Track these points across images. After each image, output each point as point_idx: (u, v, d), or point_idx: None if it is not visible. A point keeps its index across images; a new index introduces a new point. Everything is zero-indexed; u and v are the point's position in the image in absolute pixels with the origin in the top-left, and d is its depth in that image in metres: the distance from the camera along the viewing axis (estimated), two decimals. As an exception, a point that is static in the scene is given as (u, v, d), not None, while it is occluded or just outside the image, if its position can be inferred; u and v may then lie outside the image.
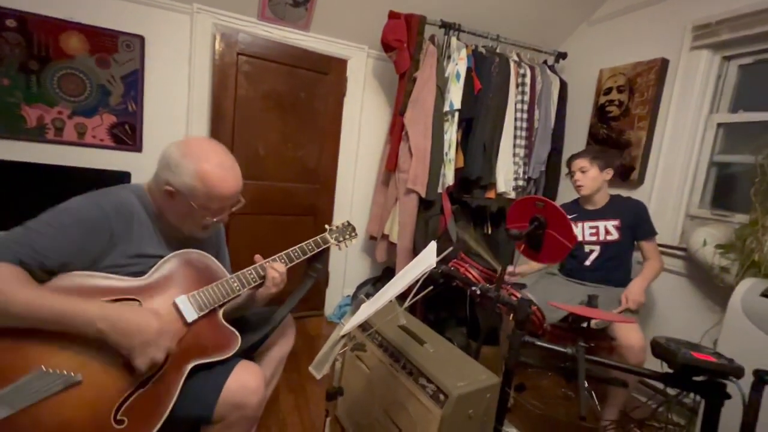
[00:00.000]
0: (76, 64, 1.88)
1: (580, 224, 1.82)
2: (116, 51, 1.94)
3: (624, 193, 1.94)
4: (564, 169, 2.12)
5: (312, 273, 1.29)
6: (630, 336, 1.47)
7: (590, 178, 1.76)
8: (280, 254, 1.16)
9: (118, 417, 0.82)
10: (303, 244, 1.22)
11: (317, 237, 1.27)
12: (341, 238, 1.34)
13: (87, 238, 0.87)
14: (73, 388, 0.79)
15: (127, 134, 2.03)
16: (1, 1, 1.73)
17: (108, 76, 1.95)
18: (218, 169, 0.95)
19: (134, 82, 2.00)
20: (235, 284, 1.05)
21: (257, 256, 1.14)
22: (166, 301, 0.94)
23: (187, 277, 1.00)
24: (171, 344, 0.88)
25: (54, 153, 1.90)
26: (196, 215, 0.98)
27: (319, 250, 1.25)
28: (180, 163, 0.94)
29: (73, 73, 1.89)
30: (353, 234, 1.38)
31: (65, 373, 0.79)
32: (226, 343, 1.00)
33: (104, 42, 1.91)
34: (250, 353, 1.17)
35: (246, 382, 0.97)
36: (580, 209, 1.86)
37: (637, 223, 1.74)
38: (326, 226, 1.33)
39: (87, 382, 0.81)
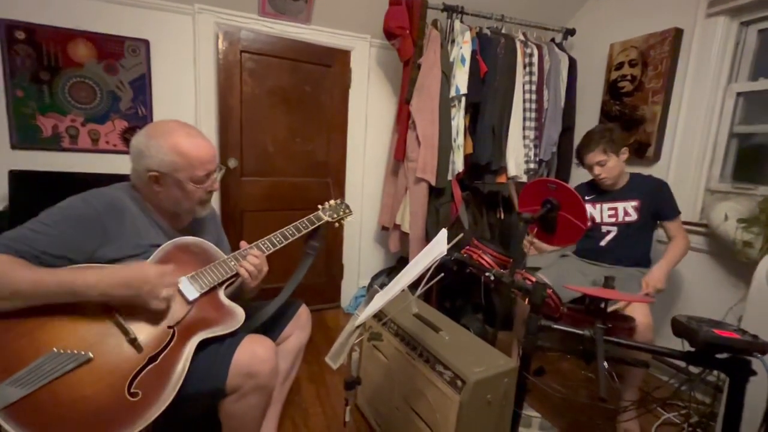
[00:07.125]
0: (85, 71, 1.92)
1: (598, 206, 1.77)
2: (123, 56, 1.97)
3: (640, 170, 1.88)
4: (575, 159, 2.06)
5: (309, 251, 1.34)
6: (636, 314, 1.43)
7: (610, 168, 1.69)
8: (275, 233, 1.20)
9: (132, 390, 0.86)
10: (297, 222, 1.26)
11: (311, 215, 1.30)
12: (335, 215, 1.36)
13: (79, 234, 0.91)
14: (87, 366, 0.84)
15: (139, 138, 2.07)
16: (9, 13, 1.76)
17: (117, 81, 1.98)
18: (188, 138, 1.01)
19: (142, 86, 2.03)
20: (232, 263, 1.09)
21: (242, 242, 1.16)
22: None
23: (185, 261, 1.04)
24: (174, 280, 0.96)
25: (70, 160, 1.95)
26: (188, 190, 1.02)
27: (313, 227, 1.29)
28: (150, 146, 0.98)
29: (83, 81, 1.92)
30: (348, 211, 1.41)
31: (76, 352, 0.84)
32: (229, 317, 1.04)
33: (110, 48, 1.94)
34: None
35: (256, 351, 1.01)
36: (598, 190, 1.79)
37: (658, 204, 1.68)
38: (319, 205, 1.36)
39: (99, 360, 0.86)
